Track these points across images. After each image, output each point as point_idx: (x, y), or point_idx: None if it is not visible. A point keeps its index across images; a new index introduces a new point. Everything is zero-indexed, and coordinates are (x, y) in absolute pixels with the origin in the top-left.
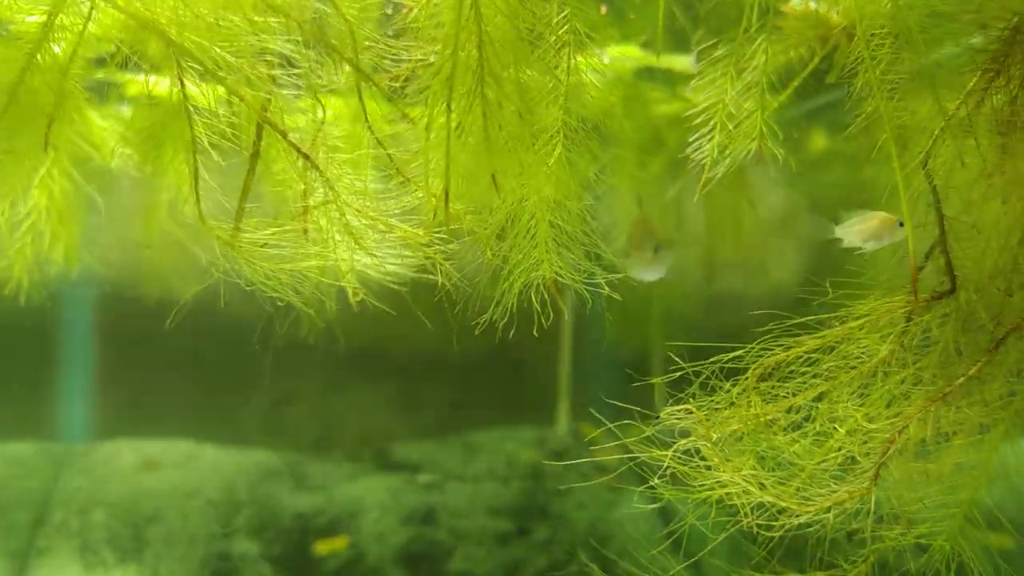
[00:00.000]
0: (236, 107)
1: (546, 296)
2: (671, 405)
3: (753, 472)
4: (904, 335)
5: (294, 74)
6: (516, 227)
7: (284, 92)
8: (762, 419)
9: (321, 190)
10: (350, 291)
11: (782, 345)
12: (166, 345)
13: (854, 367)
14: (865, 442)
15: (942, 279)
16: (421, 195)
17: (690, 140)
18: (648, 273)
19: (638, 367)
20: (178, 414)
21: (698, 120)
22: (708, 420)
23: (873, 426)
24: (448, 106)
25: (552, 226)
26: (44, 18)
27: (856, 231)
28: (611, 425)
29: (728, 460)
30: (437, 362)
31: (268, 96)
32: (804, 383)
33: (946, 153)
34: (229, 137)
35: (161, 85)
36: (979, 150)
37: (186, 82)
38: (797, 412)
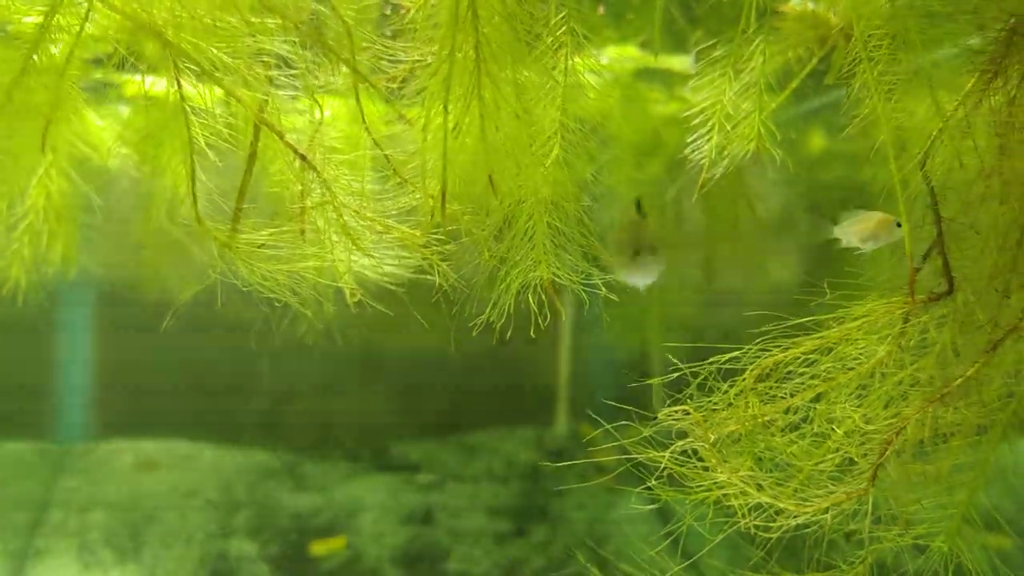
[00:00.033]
0: (233, 108)
1: (543, 297)
2: (669, 406)
3: (751, 473)
4: (902, 336)
5: (291, 75)
6: (514, 228)
7: (281, 93)
8: (760, 420)
9: (318, 191)
10: (347, 292)
11: (780, 346)
12: (164, 345)
13: (852, 368)
14: (863, 443)
15: (940, 280)
16: (418, 196)
17: (688, 141)
18: (630, 277)
19: (636, 368)
20: (176, 414)
21: (696, 121)
22: (706, 421)
23: (871, 427)
24: (445, 107)
25: (550, 227)
26: (41, 19)
27: (854, 231)
28: (608, 426)
29: (726, 461)
30: (436, 362)
31: (265, 97)
32: (802, 384)
33: (944, 154)
34: (226, 138)
35: (158, 86)
36: (977, 151)
37: (183, 83)
38: (795, 413)
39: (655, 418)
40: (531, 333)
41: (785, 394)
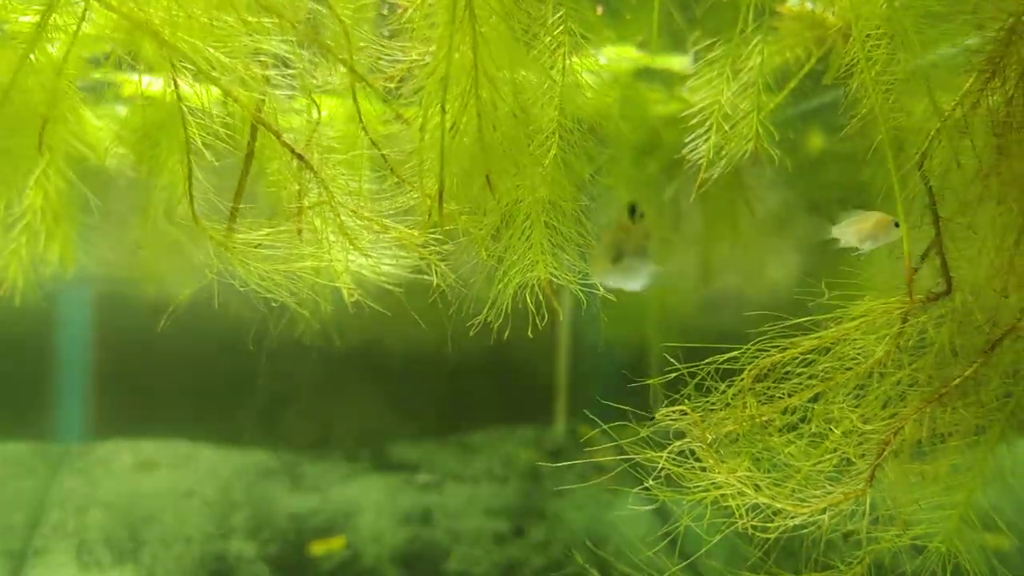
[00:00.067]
0: (231, 108)
1: (541, 297)
2: (667, 406)
3: (748, 473)
4: (900, 336)
5: (289, 75)
6: (511, 228)
7: (279, 93)
8: (758, 420)
9: (316, 190)
10: (345, 291)
11: (778, 346)
12: (162, 345)
13: (850, 368)
14: (861, 443)
15: (938, 280)
16: (416, 196)
17: (687, 140)
18: (611, 282)
19: (634, 368)
20: (175, 414)
21: (695, 121)
22: (704, 421)
23: (869, 427)
24: (442, 107)
25: (547, 227)
26: (38, 18)
27: (853, 231)
28: (605, 427)
29: (723, 461)
30: (434, 362)
31: (262, 97)
32: (800, 384)
33: (942, 154)
34: (223, 138)
35: (156, 85)
36: (975, 151)
37: (180, 82)
38: (793, 413)
39: (653, 418)
40: (529, 333)
41: (783, 394)
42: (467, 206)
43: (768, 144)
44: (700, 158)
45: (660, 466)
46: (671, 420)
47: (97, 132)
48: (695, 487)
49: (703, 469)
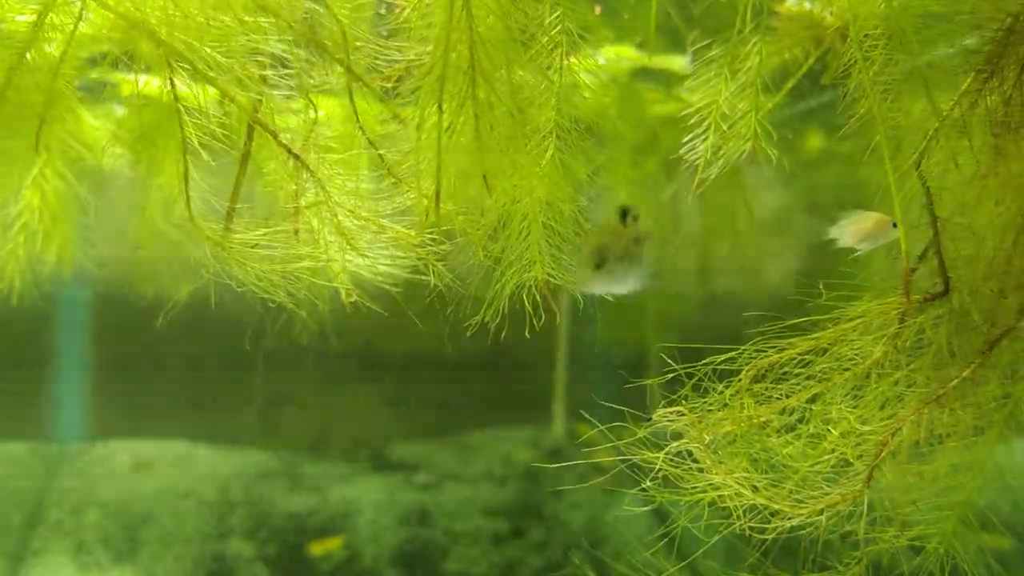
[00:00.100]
0: (228, 108)
1: (538, 298)
2: (665, 406)
3: (746, 474)
4: (897, 337)
5: (286, 75)
6: (509, 228)
7: (276, 93)
8: (755, 421)
9: (313, 190)
10: (343, 292)
11: (776, 347)
12: (160, 345)
13: (847, 369)
14: (858, 444)
15: (936, 280)
16: (413, 196)
17: (685, 141)
18: (592, 289)
19: (633, 368)
20: (173, 414)
21: (693, 120)
22: (701, 422)
23: (866, 428)
24: (439, 107)
25: (545, 227)
26: (34, 18)
27: (850, 231)
28: (602, 427)
29: (721, 462)
30: (433, 363)
31: (259, 97)
32: (798, 385)
33: (940, 154)
34: (220, 138)
35: (153, 85)
36: (973, 151)
37: (177, 82)
38: (790, 414)
39: (650, 419)
40: (527, 333)
41: (781, 395)
42: (464, 206)
43: (766, 144)
44: (698, 158)
45: (658, 467)
46: (669, 421)
47: (94, 132)
48: (693, 488)
49: (701, 470)
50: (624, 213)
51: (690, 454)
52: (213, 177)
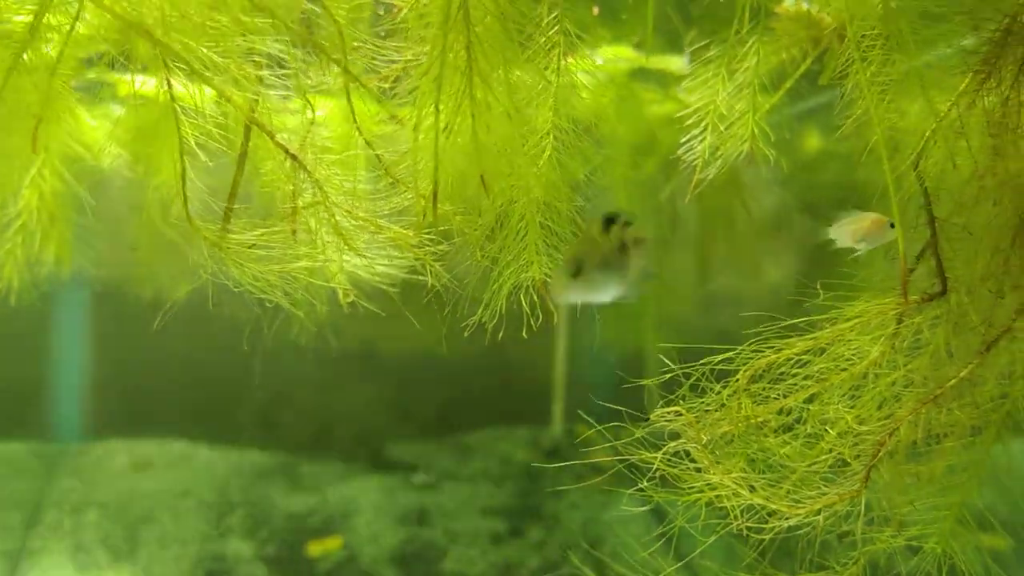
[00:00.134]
0: (225, 108)
1: (535, 298)
2: (663, 407)
3: (744, 474)
4: (895, 337)
5: (283, 75)
6: (506, 228)
7: (273, 93)
8: (753, 421)
9: (310, 191)
10: (340, 292)
11: (773, 347)
12: (159, 346)
13: (845, 369)
14: (856, 444)
15: (933, 281)
16: (410, 196)
17: (682, 141)
18: (570, 298)
19: (631, 368)
20: (171, 414)
21: (690, 121)
22: (699, 422)
23: (864, 428)
24: (436, 107)
25: (542, 227)
26: (31, 18)
27: (848, 232)
28: (600, 427)
29: (719, 462)
30: (431, 363)
31: (256, 97)
32: (795, 385)
33: (938, 155)
34: (217, 138)
35: (150, 85)
36: (971, 152)
37: (174, 82)
38: (788, 414)
39: (648, 419)
40: (524, 334)
41: (778, 395)
42: (462, 206)
43: (764, 144)
44: (696, 158)
45: (656, 467)
46: (666, 421)
47: (92, 132)
48: (691, 488)
49: (699, 470)
50: (610, 220)
51: (688, 454)
52: (210, 177)
